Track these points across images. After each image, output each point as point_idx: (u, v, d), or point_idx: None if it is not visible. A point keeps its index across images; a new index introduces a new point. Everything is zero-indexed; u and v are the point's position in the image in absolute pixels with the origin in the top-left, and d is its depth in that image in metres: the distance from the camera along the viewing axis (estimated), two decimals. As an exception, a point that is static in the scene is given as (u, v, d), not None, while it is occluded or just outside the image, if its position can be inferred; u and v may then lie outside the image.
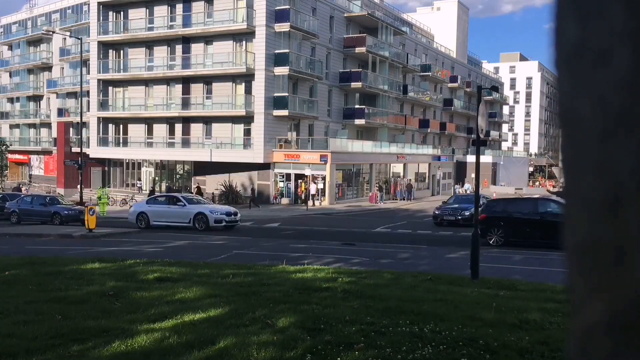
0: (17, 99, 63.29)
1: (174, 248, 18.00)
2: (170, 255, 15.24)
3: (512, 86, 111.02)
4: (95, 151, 46.69)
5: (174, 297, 8.89)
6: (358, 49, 46.39)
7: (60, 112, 57.08)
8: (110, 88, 46.67)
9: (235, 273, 11.33)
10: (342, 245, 19.06)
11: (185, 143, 43.21)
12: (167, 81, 43.95)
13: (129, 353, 5.92)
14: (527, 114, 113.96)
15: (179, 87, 43.27)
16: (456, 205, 28.21)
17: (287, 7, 39.62)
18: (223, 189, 40.03)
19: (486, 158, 60.53)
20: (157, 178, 46.99)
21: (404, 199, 45.62)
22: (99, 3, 45.38)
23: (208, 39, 41.47)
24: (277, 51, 39.47)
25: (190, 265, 12.79)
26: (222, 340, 6.30)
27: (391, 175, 49.09)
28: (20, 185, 51.84)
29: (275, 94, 39.64)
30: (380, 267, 13.69)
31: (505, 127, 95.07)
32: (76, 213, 28.09)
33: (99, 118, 46.51)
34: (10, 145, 57.27)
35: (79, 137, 42.90)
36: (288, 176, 40.58)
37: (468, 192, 46.71)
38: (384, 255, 16.60)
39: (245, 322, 7.15)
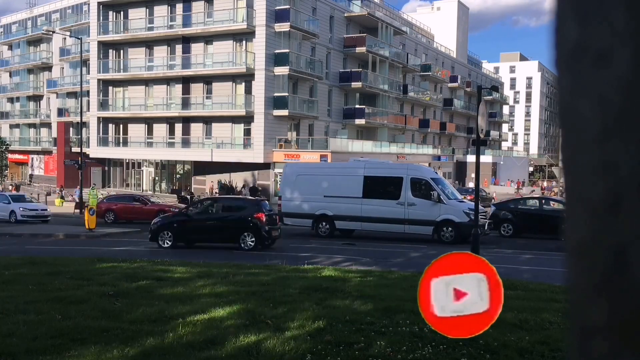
0: (17, 98, 63.24)
1: (177, 248, 17.98)
2: (172, 255, 15.23)
3: (512, 86, 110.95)
4: (95, 151, 46.68)
5: (174, 297, 8.89)
6: (358, 49, 46.37)
7: (60, 112, 57.04)
8: (110, 88, 46.65)
9: (235, 273, 11.36)
10: (342, 245, 19.09)
11: (186, 143, 43.18)
12: (167, 81, 43.93)
13: (129, 353, 5.92)
14: (527, 113, 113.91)
15: (179, 87, 43.25)
16: None
17: (287, 7, 39.60)
18: (216, 189, 39.45)
19: (486, 158, 60.56)
20: (157, 178, 46.98)
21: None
22: (99, 3, 45.35)
23: (208, 38, 41.45)
24: (277, 51, 39.45)
25: (190, 265, 12.79)
26: (222, 340, 6.30)
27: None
28: (17, 184, 51.73)
29: (275, 94, 39.63)
30: (383, 267, 13.70)
31: (505, 127, 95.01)
32: None
33: (99, 118, 46.50)
34: (10, 145, 57.22)
35: (79, 137, 42.91)
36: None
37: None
38: (387, 255, 16.62)
39: (246, 322, 7.16)
